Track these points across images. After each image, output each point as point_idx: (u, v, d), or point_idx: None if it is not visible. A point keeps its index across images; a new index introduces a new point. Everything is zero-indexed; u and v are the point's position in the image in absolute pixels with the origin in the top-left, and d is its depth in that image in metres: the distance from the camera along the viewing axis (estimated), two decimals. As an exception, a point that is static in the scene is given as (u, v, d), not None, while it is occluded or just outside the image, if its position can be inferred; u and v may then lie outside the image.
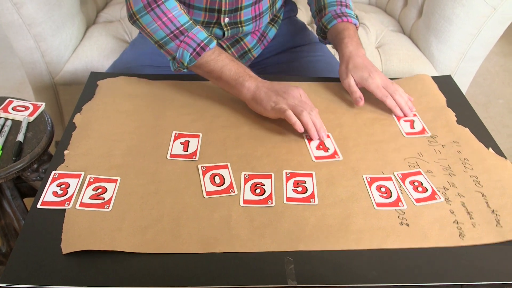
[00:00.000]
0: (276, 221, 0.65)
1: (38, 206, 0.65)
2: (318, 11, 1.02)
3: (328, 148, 0.78)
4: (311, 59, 1.09)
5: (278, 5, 1.08)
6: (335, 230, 0.64)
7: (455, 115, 0.87)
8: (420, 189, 0.71)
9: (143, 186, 0.69)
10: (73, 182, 0.69)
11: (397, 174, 0.73)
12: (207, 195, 0.68)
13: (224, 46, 1.06)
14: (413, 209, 0.68)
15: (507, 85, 2.16)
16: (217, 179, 0.71)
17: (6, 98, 0.96)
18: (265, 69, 1.12)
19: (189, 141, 0.78)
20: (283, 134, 0.81)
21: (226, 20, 0.99)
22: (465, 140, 0.81)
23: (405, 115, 0.86)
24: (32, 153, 0.87)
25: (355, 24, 0.97)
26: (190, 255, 0.60)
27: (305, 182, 0.71)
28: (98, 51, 1.32)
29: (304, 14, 1.55)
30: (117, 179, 0.70)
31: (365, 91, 0.88)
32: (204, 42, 0.84)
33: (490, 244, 0.63)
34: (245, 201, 0.68)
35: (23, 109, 0.94)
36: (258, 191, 0.69)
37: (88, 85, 0.91)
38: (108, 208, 0.65)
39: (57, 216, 0.63)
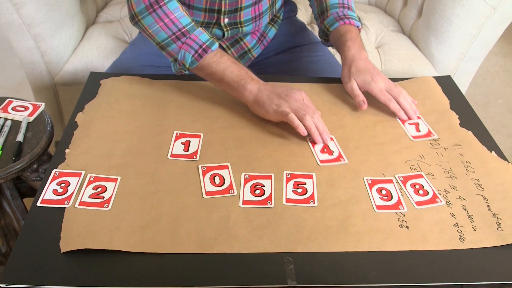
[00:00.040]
0: (275, 222, 0.65)
1: (38, 204, 0.65)
2: (320, 13, 1.01)
3: (333, 151, 0.77)
4: (310, 59, 1.09)
5: (277, 5, 1.08)
6: (334, 231, 0.64)
7: (458, 118, 0.87)
8: (421, 192, 0.71)
9: (143, 186, 0.69)
10: (73, 181, 0.69)
11: (398, 177, 0.73)
12: (206, 195, 0.68)
13: (224, 46, 1.06)
14: (413, 212, 0.68)
15: (507, 85, 2.16)
16: (217, 180, 0.71)
17: (5, 98, 0.96)
18: (265, 69, 1.12)
19: (190, 141, 0.78)
20: (284, 136, 0.80)
21: (226, 20, 0.99)
22: (468, 143, 0.81)
23: (409, 118, 0.86)
24: (31, 153, 0.87)
25: (357, 26, 0.97)
26: (189, 255, 0.60)
27: (305, 184, 0.71)
28: (98, 51, 1.32)
29: (303, 14, 1.55)
30: (117, 179, 0.70)
31: (368, 94, 0.87)
32: (206, 44, 0.84)
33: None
34: (245, 202, 0.68)
35: (23, 109, 0.94)
36: (257, 191, 0.69)
37: (88, 85, 0.91)
38: (107, 207, 0.65)
39: (57, 216, 0.64)
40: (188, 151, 0.76)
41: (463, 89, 1.44)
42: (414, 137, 0.82)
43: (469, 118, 0.87)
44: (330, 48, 1.18)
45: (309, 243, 0.62)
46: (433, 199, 0.70)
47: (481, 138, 0.82)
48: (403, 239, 0.63)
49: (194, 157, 0.75)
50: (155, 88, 0.91)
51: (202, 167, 0.73)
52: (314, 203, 0.68)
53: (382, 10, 1.64)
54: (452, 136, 0.82)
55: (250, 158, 0.75)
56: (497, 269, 0.61)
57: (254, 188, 0.70)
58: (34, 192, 0.70)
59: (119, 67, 1.05)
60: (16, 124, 0.91)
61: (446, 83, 0.97)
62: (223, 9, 0.96)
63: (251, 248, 0.61)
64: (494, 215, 0.68)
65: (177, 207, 0.66)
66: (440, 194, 0.71)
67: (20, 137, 0.88)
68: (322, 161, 0.75)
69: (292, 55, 1.11)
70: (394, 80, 0.90)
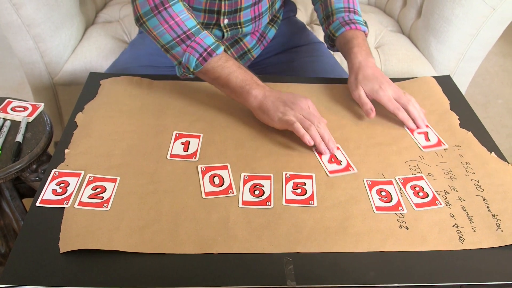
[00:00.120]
0: (274, 222, 0.65)
1: (37, 204, 0.65)
2: (326, 17, 0.99)
3: (341, 161, 0.76)
4: (310, 59, 1.09)
5: (277, 5, 1.08)
6: (333, 232, 0.64)
7: (458, 118, 0.87)
8: (421, 194, 0.71)
9: (142, 186, 0.69)
10: (73, 181, 0.69)
11: (399, 179, 0.73)
12: (206, 195, 0.68)
13: (224, 46, 1.06)
14: (412, 213, 0.68)
15: (506, 85, 2.16)
16: (217, 180, 0.71)
17: (5, 98, 0.96)
18: (264, 69, 1.12)
19: (189, 141, 0.78)
20: (284, 136, 0.80)
21: (226, 21, 0.99)
22: (468, 144, 0.81)
23: (417, 127, 0.84)
24: (31, 154, 0.87)
25: (364, 31, 0.95)
26: (188, 255, 0.60)
27: (305, 184, 0.71)
28: (97, 51, 1.32)
29: (303, 14, 1.55)
30: (116, 179, 0.70)
31: (375, 102, 0.85)
32: (211, 47, 0.83)
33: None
34: (244, 202, 0.68)
35: (22, 109, 0.94)
36: (257, 192, 0.69)
37: (87, 85, 0.91)
38: (106, 207, 0.65)
39: (56, 216, 0.64)
40: (187, 151, 0.76)
41: (463, 89, 1.44)
42: (424, 147, 0.80)
43: (468, 118, 0.87)
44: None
45: (308, 243, 0.62)
46: (433, 201, 0.70)
47: (481, 139, 0.82)
48: (402, 239, 0.63)
49: (194, 158, 0.75)
50: (155, 88, 0.91)
51: (201, 167, 0.73)
52: (313, 204, 0.68)
53: (381, 10, 1.64)
54: (452, 137, 0.82)
55: (250, 159, 0.75)
56: (496, 269, 0.61)
57: (253, 189, 0.70)
58: (34, 193, 0.70)
59: (119, 67, 1.05)
60: (15, 124, 0.91)
61: (446, 83, 0.97)
62: (222, 10, 0.96)
63: (250, 248, 0.61)
64: (493, 216, 0.68)
65: (177, 208, 0.66)
66: (439, 195, 0.71)
67: (19, 138, 0.88)
68: (331, 172, 0.74)
69: (291, 55, 1.11)
70: (394, 80, 0.90)
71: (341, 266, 0.60)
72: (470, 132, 0.83)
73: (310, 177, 0.72)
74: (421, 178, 0.74)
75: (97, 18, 1.50)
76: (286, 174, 0.73)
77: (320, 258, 0.61)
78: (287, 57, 1.11)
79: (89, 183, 0.69)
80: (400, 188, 0.71)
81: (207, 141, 0.79)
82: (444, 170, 0.75)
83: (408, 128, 0.84)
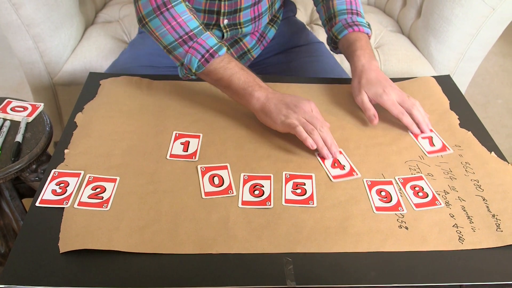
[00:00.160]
0: (274, 222, 0.65)
1: (37, 204, 0.65)
2: (328, 19, 0.98)
3: (344, 166, 0.75)
4: (310, 59, 1.09)
5: (277, 5, 1.08)
6: (333, 232, 0.64)
7: (458, 118, 0.87)
8: (420, 194, 0.71)
9: (142, 186, 0.69)
10: (72, 181, 0.69)
11: (398, 179, 0.73)
12: (205, 195, 0.68)
13: (226, 47, 1.06)
14: (412, 213, 0.68)
15: (506, 85, 2.17)
16: (216, 180, 0.71)
17: (4, 98, 0.96)
18: (264, 69, 1.12)
19: (189, 142, 0.78)
20: (284, 137, 0.80)
21: (225, 21, 0.99)
22: (467, 144, 0.81)
23: (421, 132, 0.83)
24: (30, 154, 0.87)
25: (367, 33, 0.94)
26: (188, 255, 0.60)
27: (305, 184, 0.71)
28: (97, 51, 1.32)
29: (303, 14, 1.55)
30: (116, 179, 0.70)
31: (379, 106, 0.84)
32: (214, 48, 0.82)
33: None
34: (244, 202, 0.68)
35: (22, 109, 0.94)
36: (257, 192, 0.69)
37: (87, 86, 0.91)
38: (106, 207, 0.65)
39: (56, 216, 0.63)
40: (187, 151, 0.76)
41: (462, 89, 1.44)
42: (429, 152, 0.79)
43: (468, 118, 0.87)
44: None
45: (308, 243, 0.62)
46: (433, 202, 0.69)
47: (481, 138, 0.82)
48: (402, 239, 0.63)
49: (193, 158, 0.75)
50: (155, 88, 0.91)
51: (201, 167, 0.73)
52: (313, 204, 0.68)
53: (381, 10, 1.65)
54: (452, 137, 0.82)
55: (249, 159, 0.75)
56: (496, 269, 0.61)
57: (253, 189, 0.70)
58: (33, 193, 0.70)
59: (118, 67, 1.05)
60: (15, 124, 0.91)
61: (446, 83, 0.97)
62: (222, 10, 0.96)
63: (250, 248, 0.61)
64: (493, 216, 0.67)
65: (176, 208, 0.66)
66: (439, 195, 0.71)
67: (19, 138, 0.88)
68: (334, 177, 0.73)
69: (291, 55, 1.11)
70: (394, 80, 0.90)
71: (341, 266, 0.60)
72: (470, 132, 0.83)
73: (310, 177, 0.72)
74: (420, 178, 0.73)
75: (97, 18, 1.50)
76: (286, 174, 0.73)
77: (320, 258, 0.61)
78: (286, 57, 1.11)
79: (88, 183, 0.69)
80: (400, 188, 0.71)
81: (207, 141, 0.79)
82: (444, 170, 0.75)
83: (412, 133, 0.83)
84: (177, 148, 0.77)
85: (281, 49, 1.13)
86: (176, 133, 0.80)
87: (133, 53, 1.09)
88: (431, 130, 0.83)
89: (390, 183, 0.72)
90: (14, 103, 0.95)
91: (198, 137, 0.79)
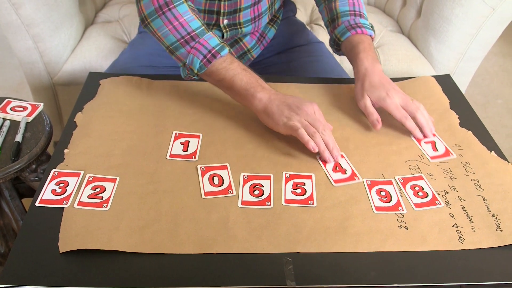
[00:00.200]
0: (274, 222, 0.65)
1: (37, 204, 0.65)
2: (331, 21, 0.97)
3: (346, 170, 0.74)
4: (310, 59, 1.09)
5: (277, 5, 1.08)
6: (333, 232, 0.64)
7: (458, 118, 0.86)
8: (420, 194, 0.71)
9: (142, 186, 0.69)
10: (72, 181, 0.69)
11: (398, 179, 0.73)
12: (205, 195, 0.68)
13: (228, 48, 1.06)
14: (412, 213, 0.68)
15: (506, 85, 2.17)
16: (216, 180, 0.71)
17: (4, 98, 0.96)
18: (264, 69, 1.11)
19: (189, 141, 0.78)
20: (284, 137, 0.80)
21: (225, 21, 0.98)
22: (467, 144, 0.81)
23: (425, 136, 0.81)
24: (30, 154, 0.87)
25: (370, 35, 0.92)
26: (188, 255, 0.60)
27: (304, 184, 0.71)
28: (97, 51, 1.32)
29: (303, 14, 1.55)
30: (116, 179, 0.70)
31: (382, 110, 0.84)
32: (216, 49, 0.81)
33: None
34: (243, 202, 0.67)
35: (22, 109, 0.94)
36: (256, 192, 0.69)
37: (87, 85, 0.91)
38: (106, 207, 0.65)
39: (55, 216, 0.63)
40: (187, 151, 0.76)
41: (462, 89, 1.44)
42: (432, 157, 0.78)
43: (468, 118, 0.87)
44: (329, 48, 1.18)
45: (308, 243, 0.62)
46: (433, 201, 0.69)
47: (481, 138, 0.82)
48: (402, 239, 0.63)
49: (193, 157, 0.75)
50: (154, 88, 0.91)
51: (201, 167, 0.73)
52: (313, 204, 0.68)
53: (381, 10, 1.65)
54: (452, 137, 0.82)
55: (249, 159, 0.75)
56: (496, 269, 0.61)
57: (253, 189, 0.70)
58: (33, 193, 0.70)
59: (118, 67, 1.05)
60: (14, 124, 0.91)
61: (446, 82, 0.97)
62: (222, 10, 0.96)
63: (250, 248, 0.61)
64: (493, 215, 0.67)
65: (176, 208, 0.66)
66: (439, 194, 0.71)
67: (18, 137, 0.88)
68: (336, 181, 0.72)
69: (291, 55, 1.11)
70: (394, 80, 0.89)
71: (341, 266, 0.60)
72: (470, 131, 0.83)
73: (309, 177, 0.72)
74: (420, 178, 0.73)
75: (97, 18, 1.50)
76: (285, 174, 0.73)
77: (320, 258, 0.61)
78: (286, 57, 1.11)
79: (88, 183, 0.69)
80: (400, 188, 0.71)
81: (207, 141, 0.79)
82: (443, 170, 0.75)
83: (414, 137, 0.81)
84: (177, 148, 0.77)
85: (281, 49, 1.13)
86: (176, 133, 0.80)
87: (133, 53, 1.09)
88: (434, 135, 0.82)
89: (390, 183, 0.72)
90: (14, 103, 0.95)
91: (198, 137, 0.79)
